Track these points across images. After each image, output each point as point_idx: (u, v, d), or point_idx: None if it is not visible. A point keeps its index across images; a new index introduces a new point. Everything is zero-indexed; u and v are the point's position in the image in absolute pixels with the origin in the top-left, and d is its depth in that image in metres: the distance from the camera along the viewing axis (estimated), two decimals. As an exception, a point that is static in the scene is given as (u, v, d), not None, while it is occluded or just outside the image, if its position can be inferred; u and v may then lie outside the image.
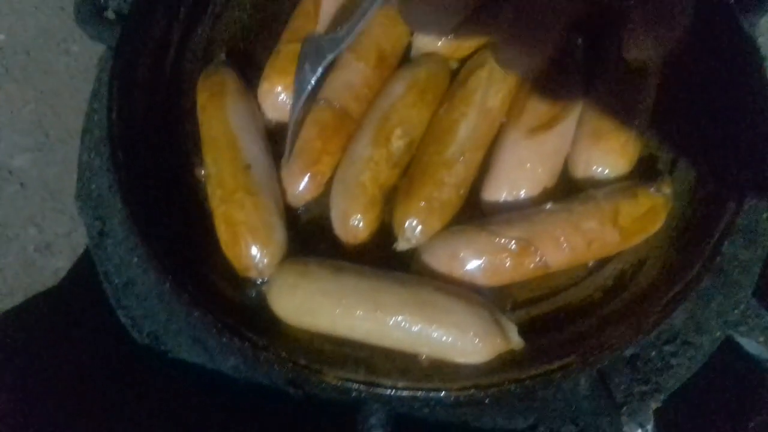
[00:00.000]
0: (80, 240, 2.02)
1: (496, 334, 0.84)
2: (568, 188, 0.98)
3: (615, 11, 0.79)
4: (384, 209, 0.96)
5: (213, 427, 0.96)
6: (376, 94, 1.00)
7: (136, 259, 0.99)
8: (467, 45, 1.04)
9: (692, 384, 0.96)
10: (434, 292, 0.86)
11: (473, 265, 0.89)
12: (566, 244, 0.89)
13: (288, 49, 1.02)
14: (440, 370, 0.86)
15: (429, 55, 1.04)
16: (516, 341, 0.85)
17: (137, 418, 0.97)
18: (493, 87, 0.97)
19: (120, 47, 1.02)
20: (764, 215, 1.02)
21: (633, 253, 0.96)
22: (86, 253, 1.07)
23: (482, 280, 0.90)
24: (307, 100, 0.95)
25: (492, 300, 0.89)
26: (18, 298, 1.75)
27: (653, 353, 0.95)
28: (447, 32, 0.75)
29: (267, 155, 0.98)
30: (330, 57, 0.91)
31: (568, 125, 0.97)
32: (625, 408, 0.93)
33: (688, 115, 1.03)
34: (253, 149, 0.96)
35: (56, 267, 2.10)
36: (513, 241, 0.89)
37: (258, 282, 0.93)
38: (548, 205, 0.92)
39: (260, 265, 0.91)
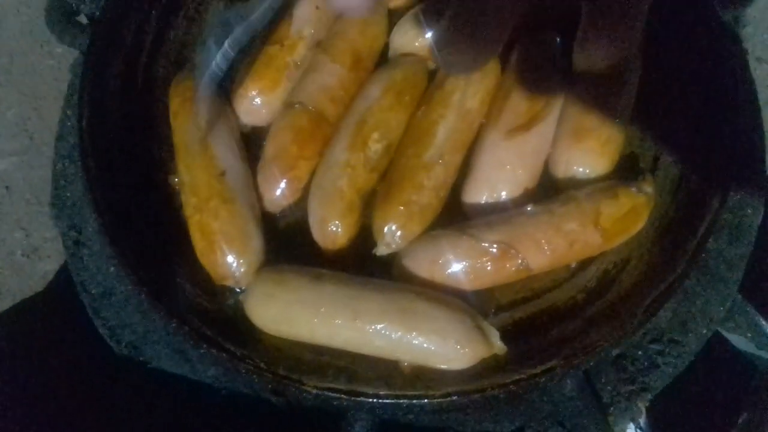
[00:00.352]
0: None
1: (478, 340, 0.83)
2: (549, 188, 0.97)
3: (559, 14, 0.77)
4: (363, 214, 0.95)
5: (195, 438, 0.96)
6: (352, 96, 0.99)
7: (112, 269, 0.97)
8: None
9: (682, 380, 0.95)
10: (415, 298, 0.85)
11: (454, 269, 0.88)
12: (547, 247, 0.88)
13: (262, 53, 1.00)
14: (423, 376, 0.85)
15: (406, 56, 1.02)
16: (498, 346, 0.84)
17: (119, 427, 0.96)
18: (471, 88, 0.96)
19: (90, 52, 1.00)
20: (749, 210, 1.01)
21: (616, 252, 0.95)
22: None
23: (464, 284, 0.89)
24: (212, 77, 0.89)
25: (475, 303, 0.88)
26: (6, 303, 1.74)
27: (639, 353, 0.95)
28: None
29: (242, 161, 0.97)
30: (238, 31, 0.85)
31: (547, 125, 0.96)
32: (612, 408, 0.92)
33: (669, 112, 1.02)
34: (228, 155, 0.95)
35: (44, 270, 2.09)
36: (494, 245, 0.87)
37: (236, 291, 0.92)
38: (529, 207, 0.91)
39: (237, 273, 0.90)
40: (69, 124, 1.08)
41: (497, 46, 0.69)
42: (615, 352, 0.94)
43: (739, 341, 1.05)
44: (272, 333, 0.87)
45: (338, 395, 0.84)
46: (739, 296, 0.99)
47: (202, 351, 0.86)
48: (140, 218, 0.94)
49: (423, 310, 0.83)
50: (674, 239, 0.93)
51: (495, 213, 0.92)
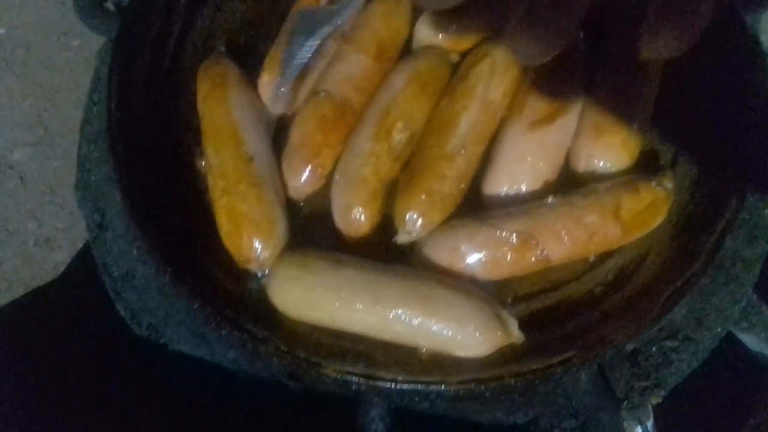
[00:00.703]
0: (80, 234, 2.02)
1: (496, 328, 0.84)
2: (569, 182, 0.97)
3: (631, 4, 0.77)
4: (385, 202, 0.96)
5: (213, 420, 0.96)
6: (376, 86, 1.00)
7: (135, 251, 0.98)
8: (469, 38, 1.04)
9: (693, 380, 0.96)
10: (435, 285, 0.85)
11: (474, 258, 0.89)
12: (567, 238, 0.89)
13: (286, 39, 1.01)
14: (440, 363, 0.85)
15: (430, 48, 1.03)
16: (516, 335, 0.85)
17: (137, 409, 0.97)
18: (494, 80, 0.97)
19: (120, 39, 1.02)
20: (766, 211, 1.01)
21: (634, 247, 0.95)
22: (86, 248, 1.07)
23: (483, 274, 0.89)
24: (302, 74, 0.93)
25: (492, 294, 0.89)
26: (18, 292, 1.75)
27: (654, 348, 0.95)
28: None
29: (269, 147, 0.98)
30: (326, 29, 0.88)
31: (569, 119, 0.97)
32: (625, 403, 0.93)
33: (690, 110, 1.02)
34: (256, 141, 0.96)
35: (56, 261, 2.10)
36: (514, 235, 0.88)
37: (258, 275, 0.93)
38: (549, 199, 0.91)
39: (261, 257, 0.90)
40: (95, 109, 1.09)
41: (568, 37, 0.69)
42: (630, 347, 0.95)
43: (753, 341, 1.05)
44: (293, 316, 0.88)
45: (356, 379, 0.84)
46: (754, 296, 0.99)
47: (223, 332, 0.87)
48: (165, 201, 0.95)
49: (443, 297, 0.84)
50: (692, 236, 0.94)
51: (515, 204, 0.93)
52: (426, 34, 1.03)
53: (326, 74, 1.00)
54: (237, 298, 0.91)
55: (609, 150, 0.95)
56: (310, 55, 0.92)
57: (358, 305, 0.84)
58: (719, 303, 0.97)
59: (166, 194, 0.96)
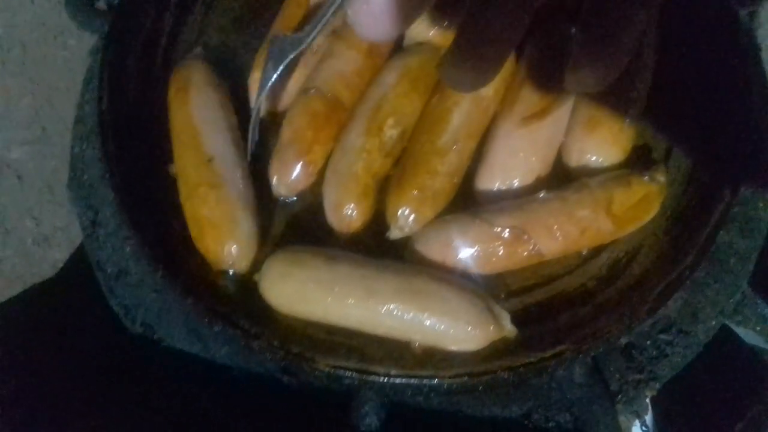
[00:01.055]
0: (78, 232, 1.99)
1: (489, 322, 0.84)
2: (561, 177, 0.97)
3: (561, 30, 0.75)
4: (377, 198, 0.96)
5: (207, 415, 0.97)
6: (367, 83, 1.00)
7: (128, 249, 0.98)
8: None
9: (690, 374, 0.96)
10: (427, 280, 0.86)
11: (466, 253, 0.89)
12: (560, 233, 0.89)
13: (280, 38, 1.01)
14: (433, 357, 0.86)
15: (421, 45, 1.03)
16: (509, 329, 0.85)
17: (132, 405, 0.97)
18: (486, 75, 0.97)
19: (110, 37, 1.02)
20: (760, 204, 1.01)
21: (627, 241, 0.95)
22: (83, 246, 1.07)
23: (475, 269, 0.90)
24: (265, 99, 0.97)
25: (485, 288, 0.89)
26: (16, 290, 1.74)
27: (648, 342, 0.95)
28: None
29: (232, 146, 0.96)
30: (291, 56, 0.94)
31: (562, 114, 0.97)
32: (620, 396, 0.93)
33: (683, 105, 1.02)
34: (216, 141, 0.95)
35: (54, 259, 2.11)
36: (506, 230, 0.88)
37: (240, 272, 0.93)
38: (542, 194, 0.92)
39: (230, 258, 0.90)
40: (87, 107, 1.09)
41: (503, 62, 0.68)
42: (624, 341, 0.95)
43: (747, 335, 1.05)
44: (286, 312, 0.88)
45: (350, 374, 0.85)
46: (749, 289, 0.99)
47: (216, 329, 0.87)
48: (157, 199, 0.96)
49: (435, 292, 0.84)
50: (685, 229, 0.94)
51: (507, 199, 0.93)
52: (417, 30, 1.03)
53: (317, 71, 1.00)
54: (230, 294, 0.91)
55: (601, 145, 0.95)
56: (275, 79, 0.95)
57: (350, 300, 0.84)
58: (714, 296, 0.97)
59: (158, 192, 0.96)
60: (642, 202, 0.91)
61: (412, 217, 0.92)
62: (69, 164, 1.08)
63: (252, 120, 0.98)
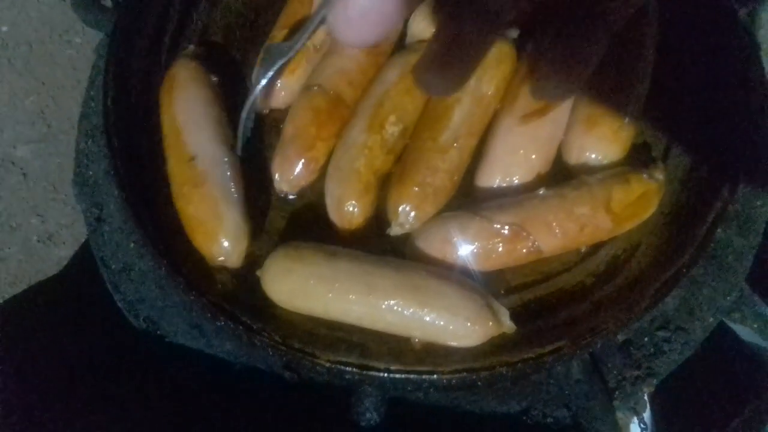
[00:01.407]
0: (83, 230, 2.01)
1: (488, 318, 0.85)
2: (561, 174, 0.98)
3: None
4: (378, 195, 0.97)
5: (209, 411, 0.98)
6: (370, 80, 1.01)
7: (132, 245, 1.00)
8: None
9: (688, 370, 0.97)
10: (427, 276, 0.86)
11: (466, 250, 0.90)
12: (559, 230, 0.90)
13: (282, 35, 1.03)
14: (433, 353, 0.86)
15: (423, 42, 1.04)
16: (508, 325, 0.86)
17: (135, 400, 0.98)
18: (487, 74, 0.98)
19: (115, 34, 1.03)
20: (758, 202, 1.02)
21: (626, 238, 0.96)
22: (88, 243, 1.08)
23: (475, 265, 0.90)
24: (254, 103, 0.99)
25: (485, 285, 0.90)
26: (21, 288, 1.76)
27: (646, 339, 0.96)
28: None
29: (216, 143, 0.96)
30: (279, 62, 0.96)
31: (561, 112, 0.97)
32: (617, 392, 0.94)
33: (682, 103, 1.03)
34: (198, 139, 0.95)
35: (59, 257, 2.12)
36: (506, 227, 0.89)
37: (256, 267, 0.93)
38: (541, 191, 0.92)
39: (220, 254, 0.91)
40: (92, 104, 1.11)
41: (473, 71, 0.71)
42: (622, 337, 0.96)
43: (745, 332, 1.06)
44: (288, 308, 0.89)
45: (350, 369, 0.86)
46: (747, 286, 1.00)
47: (219, 324, 0.88)
48: (161, 195, 0.96)
49: (435, 288, 0.85)
50: (683, 226, 0.95)
51: (507, 197, 0.94)
52: (420, 28, 1.04)
53: (320, 68, 1.01)
54: (232, 290, 0.92)
55: (600, 142, 0.96)
56: (262, 84, 0.97)
57: (351, 296, 0.85)
58: (711, 293, 0.98)
59: (163, 188, 0.97)
60: (641, 199, 0.92)
61: (412, 213, 0.93)
62: (74, 160, 1.09)
63: (241, 120, 0.98)
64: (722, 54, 1.03)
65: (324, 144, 0.97)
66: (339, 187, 0.94)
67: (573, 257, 0.96)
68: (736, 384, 1.07)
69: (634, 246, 0.96)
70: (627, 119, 0.96)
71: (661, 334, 0.96)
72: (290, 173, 0.97)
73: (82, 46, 2.34)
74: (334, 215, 0.95)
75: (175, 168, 0.95)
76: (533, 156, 0.96)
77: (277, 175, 0.98)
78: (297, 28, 1.01)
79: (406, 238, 0.94)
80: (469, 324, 0.84)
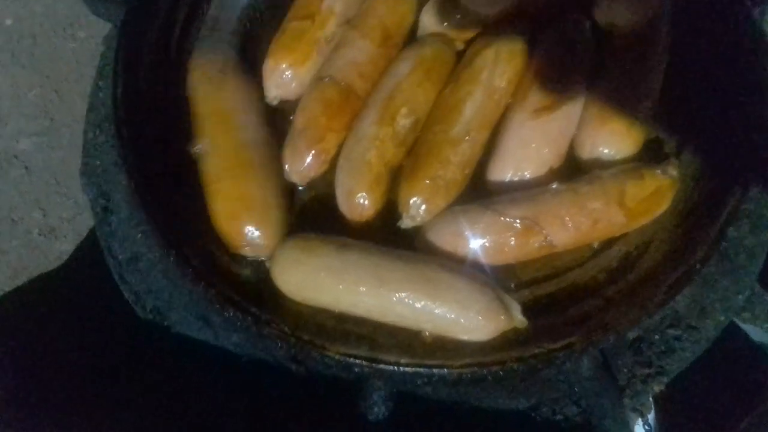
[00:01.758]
0: (85, 224, 2.02)
1: (499, 312, 0.84)
2: (573, 169, 0.98)
3: None
4: (389, 187, 0.96)
5: (215, 403, 0.97)
6: (381, 72, 1.00)
7: (140, 235, 0.99)
8: (473, 27, 1.04)
9: (696, 371, 0.96)
10: (438, 269, 0.86)
11: (477, 243, 0.89)
12: (571, 224, 0.89)
13: (292, 27, 1.02)
14: (443, 347, 0.86)
15: (435, 36, 1.03)
16: (519, 320, 0.85)
17: (141, 393, 0.97)
18: (499, 67, 0.97)
19: (125, 24, 1.02)
20: (771, 201, 1.01)
21: (638, 235, 0.95)
22: (90, 236, 1.07)
23: (486, 259, 0.90)
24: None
25: (496, 279, 0.89)
26: (22, 281, 1.75)
27: (657, 337, 0.95)
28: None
29: (265, 133, 0.97)
30: None
31: (574, 106, 0.97)
32: (627, 390, 0.93)
33: (696, 100, 1.02)
34: (251, 126, 0.96)
35: (60, 250, 2.11)
36: (518, 220, 0.88)
37: (262, 258, 0.93)
38: (554, 185, 0.92)
39: (255, 243, 0.90)
40: (101, 95, 1.10)
41: None
42: (632, 335, 0.95)
43: (756, 332, 1.05)
44: (297, 299, 0.88)
45: (359, 362, 0.85)
46: (758, 286, 0.99)
47: (227, 315, 0.87)
48: (170, 184, 0.96)
49: (446, 281, 0.84)
50: (696, 224, 0.94)
51: (519, 190, 0.93)
52: (431, 22, 1.04)
53: (331, 60, 1.00)
54: (241, 281, 0.91)
55: (613, 137, 0.95)
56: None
57: (361, 288, 0.84)
58: (723, 292, 0.97)
59: (171, 178, 0.96)
60: (654, 195, 0.91)
61: (423, 206, 0.92)
62: (81, 150, 1.08)
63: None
64: (736, 52, 1.03)
65: (335, 135, 0.97)
66: (350, 178, 0.94)
67: (585, 253, 0.95)
68: (745, 385, 1.06)
69: (646, 243, 0.95)
70: (640, 115, 0.96)
71: (671, 332, 0.96)
72: (300, 164, 0.96)
73: (85, 39, 2.33)
74: (344, 207, 0.95)
75: (223, 150, 0.94)
76: (545, 150, 0.95)
77: (287, 166, 0.97)
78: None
79: (417, 231, 0.94)
80: (480, 318, 0.83)
